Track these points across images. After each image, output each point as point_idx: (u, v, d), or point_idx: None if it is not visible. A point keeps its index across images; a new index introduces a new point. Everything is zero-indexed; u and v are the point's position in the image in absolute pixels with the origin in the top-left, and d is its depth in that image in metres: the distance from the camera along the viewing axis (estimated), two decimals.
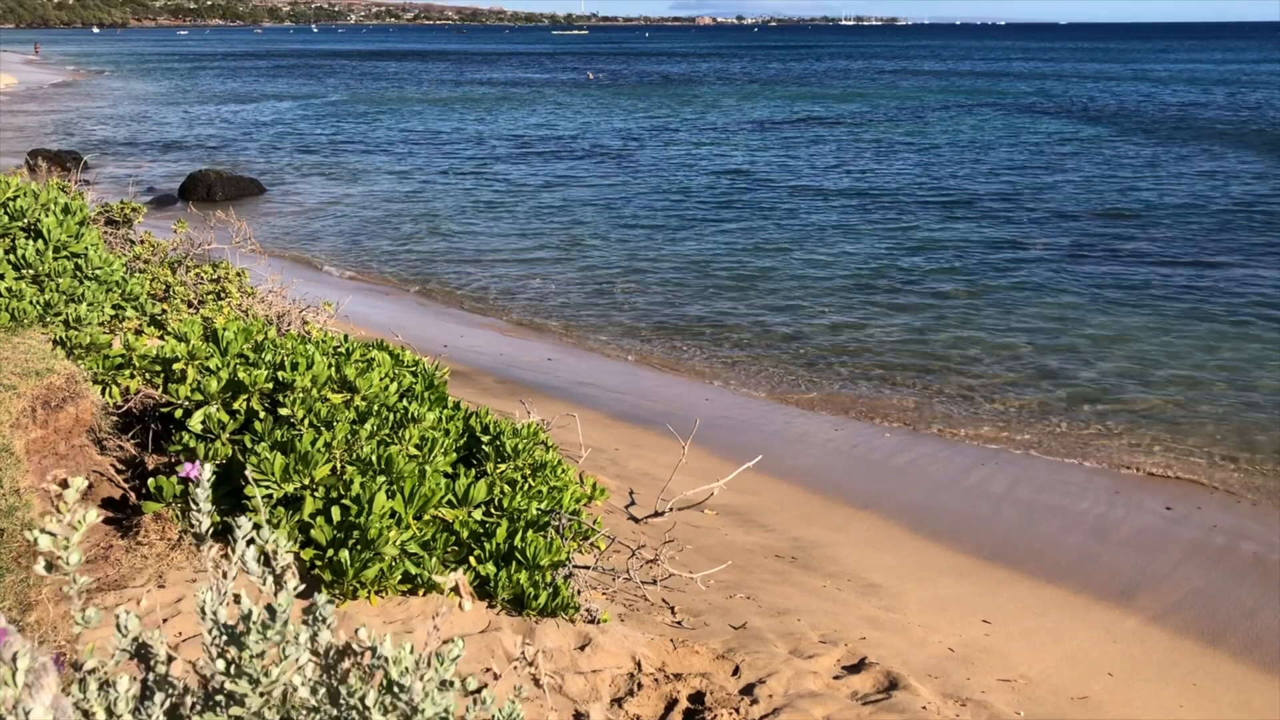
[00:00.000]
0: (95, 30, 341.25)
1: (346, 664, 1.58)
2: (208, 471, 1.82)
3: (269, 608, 1.53)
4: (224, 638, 1.55)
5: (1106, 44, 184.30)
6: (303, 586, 1.69)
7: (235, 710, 1.56)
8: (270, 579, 1.61)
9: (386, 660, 1.50)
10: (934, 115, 50.08)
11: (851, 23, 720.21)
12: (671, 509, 6.71)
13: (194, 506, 1.77)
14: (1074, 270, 18.73)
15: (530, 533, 5.28)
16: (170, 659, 1.59)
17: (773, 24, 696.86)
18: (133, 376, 5.75)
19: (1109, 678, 6.54)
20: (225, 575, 1.62)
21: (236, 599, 1.62)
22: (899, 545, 8.56)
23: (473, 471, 5.63)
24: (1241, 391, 12.47)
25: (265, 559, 1.77)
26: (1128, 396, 12.40)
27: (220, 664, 1.55)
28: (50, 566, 1.59)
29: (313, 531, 4.92)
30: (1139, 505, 9.50)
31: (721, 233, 22.48)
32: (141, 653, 1.61)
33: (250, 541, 1.64)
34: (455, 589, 5.07)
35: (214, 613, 1.58)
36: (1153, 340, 14.52)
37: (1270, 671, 6.85)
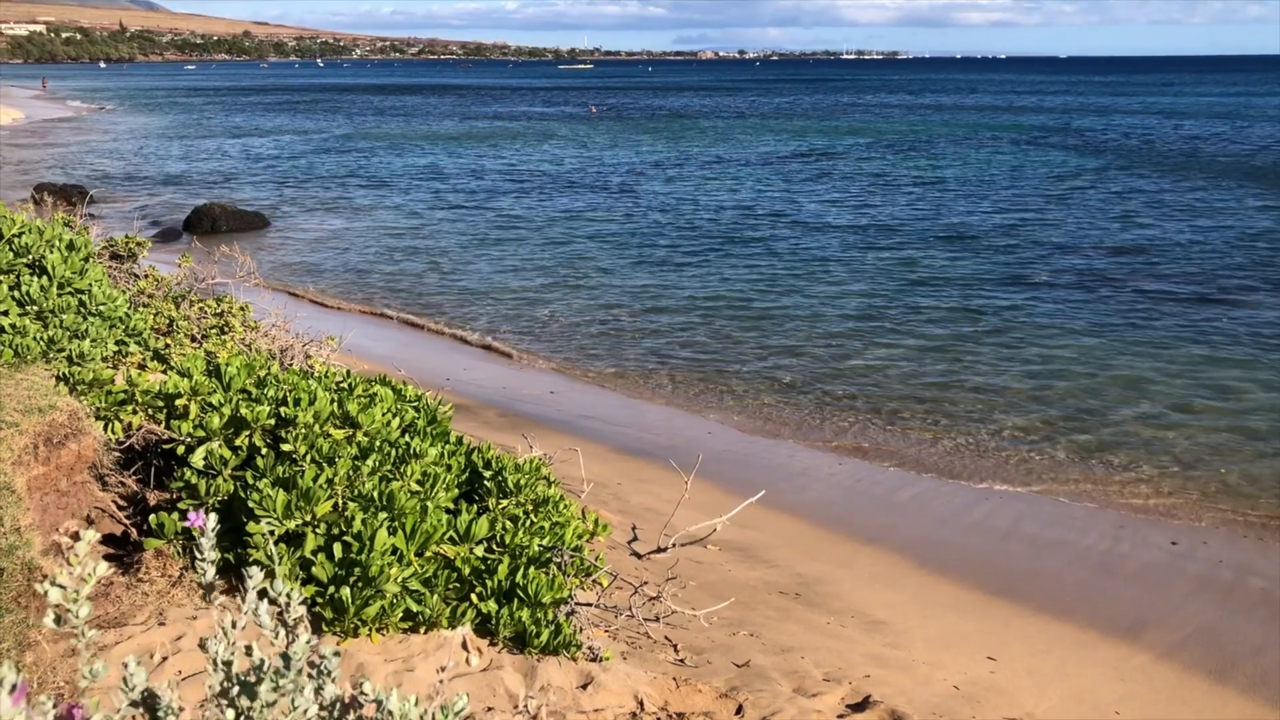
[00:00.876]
0: (102, 65, 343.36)
1: (352, 717, 1.56)
2: (213, 521, 1.81)
3: (284, 656, 1.51)
4: (235, 688, 1.54)
5: (1108, 77, 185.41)
6: (316, 641, 1.67)
7: None
8: (282, 631, 1.59)
9: (393, 715, 1.48)
10: (939, 149, 50.32)
11: (853, 57, 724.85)
12: (675, 545, 6.69)
13: (199, 555, 1.76)
14: (1080, 306, 18.75)
15: (532, 569, 5.25)
16: (180, 709, 1.58)
17: (774, 58, 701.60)
18: (135, 412, 5.75)
19: (1117, 716, 6.48)
20: (235, 625, 1.60)
21: (248, 651, 1.60)
22: (903, 581, 8.51)
23: (475, 507, 5.61)
24: (1247, 427, 12.43)
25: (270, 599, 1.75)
26: (1133, 431, 12.37)
27: (230, 714, 1.54)
28: (59, 620, 1.58)
29: (314, 568, 4.90)
30: (1144, 540, 9.45)
31: (726, 267, 22.54)
32: (149, 703, 1.60)
33: (262, 594, 1.62)
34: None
35: (225, 663, 1.57)
36: (1157, 376, 14.51)
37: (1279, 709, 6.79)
